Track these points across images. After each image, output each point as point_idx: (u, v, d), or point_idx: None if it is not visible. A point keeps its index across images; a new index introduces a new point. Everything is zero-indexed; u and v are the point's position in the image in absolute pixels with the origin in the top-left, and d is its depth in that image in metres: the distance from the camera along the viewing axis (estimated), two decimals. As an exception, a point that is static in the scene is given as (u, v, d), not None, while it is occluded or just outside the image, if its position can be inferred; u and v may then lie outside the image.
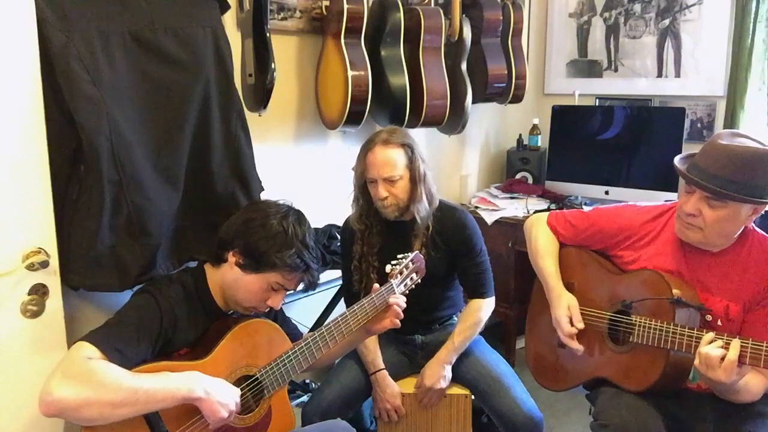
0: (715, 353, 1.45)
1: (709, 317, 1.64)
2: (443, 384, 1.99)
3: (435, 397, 2.01)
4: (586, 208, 2.85)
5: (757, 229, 1.70)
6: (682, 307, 1.61)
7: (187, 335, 1.57)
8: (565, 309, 1.81)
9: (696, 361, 1.49)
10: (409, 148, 1.94)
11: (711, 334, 1.49)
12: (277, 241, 1.57)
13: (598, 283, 1.85)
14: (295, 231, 1.59)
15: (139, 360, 1.43)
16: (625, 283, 1.77)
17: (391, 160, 1.90)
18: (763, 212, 1.63)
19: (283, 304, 1.69)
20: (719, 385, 1.48)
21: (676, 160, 1.71)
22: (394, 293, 1.72)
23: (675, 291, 1.63)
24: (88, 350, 1.36)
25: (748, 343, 1.44)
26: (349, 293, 2.12)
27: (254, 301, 1.62)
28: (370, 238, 2.01)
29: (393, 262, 1.77)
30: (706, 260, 1.68)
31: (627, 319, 1.71)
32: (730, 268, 1.65)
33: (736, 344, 1.44)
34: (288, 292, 1.67)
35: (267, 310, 1.68)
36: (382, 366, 2.01)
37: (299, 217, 1.65)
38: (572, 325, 1.79)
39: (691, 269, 1.69)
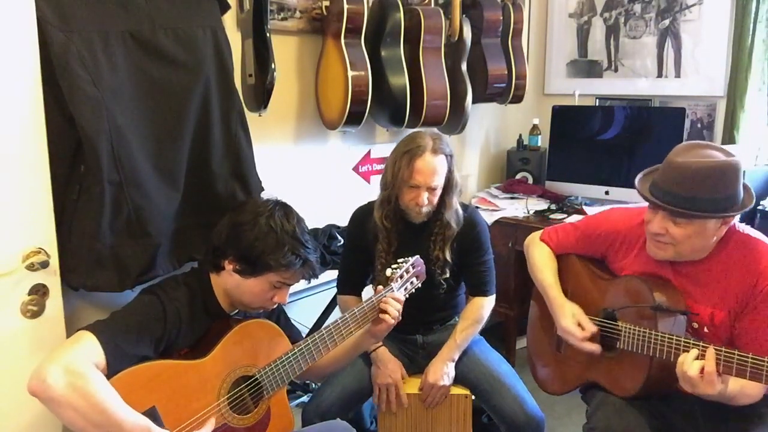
0: (692, 372, 1.43)
1: (695, 324, 1.62)
2: (446, 381, 1.99)
3: (439, 395, 2.01)
4: (586, 209, 2.86)
5: (743, 229, 1.64)
6: (664, 314, 1.59)
7: (189, 336, 1.57)
8: (570, 317, 1.79)
9: (680, 382, 1.48)
10: (450, 157, 1.96)
11: (689, 354, 1.46)
12: (269, 242, 1.55)
13: (588, 290, 1.85)
14: (284, 228, 1.58)
15: (137, 359, 1.43)
16: (611, 290, 1.77)
17: (438, 168, 1.90)
18: (737, 219, 1.59)
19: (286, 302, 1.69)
20: (710, 397, 1.47)
21: (637, 179, 1.69)
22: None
23: (657, 296, 1.60)
24: (94, 350, 1.35)
25: (721, 351, 1.41)
26: (346, 283, 2.13)
27: (261, 301, 1.63)
28: (391, 237, 2.01)
29: (393, 265, 1.77)
30: (688, 268, 1.64)
31: (614, 324, 1.71)
32: (713, 274, 1.61)
33: (711, 354, 1.42)
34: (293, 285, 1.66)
35: (275, 306, 1.68)
36: (381, 343, 2.01)
37: (286, 211, 1.62)
38: (583, 329, 1.77)
39: (674, 277, 1.67)
